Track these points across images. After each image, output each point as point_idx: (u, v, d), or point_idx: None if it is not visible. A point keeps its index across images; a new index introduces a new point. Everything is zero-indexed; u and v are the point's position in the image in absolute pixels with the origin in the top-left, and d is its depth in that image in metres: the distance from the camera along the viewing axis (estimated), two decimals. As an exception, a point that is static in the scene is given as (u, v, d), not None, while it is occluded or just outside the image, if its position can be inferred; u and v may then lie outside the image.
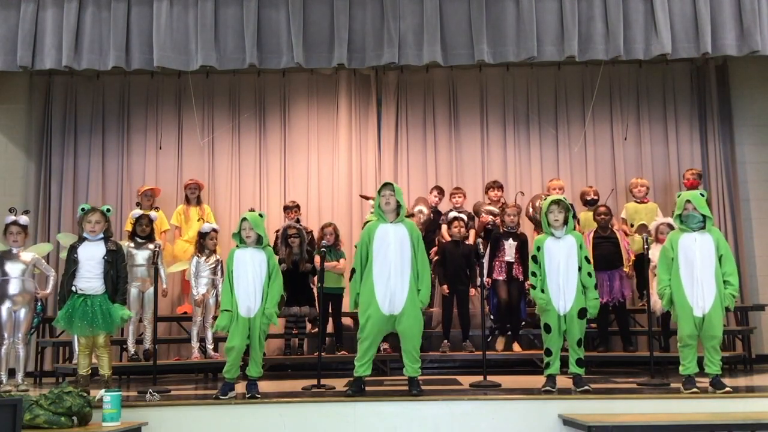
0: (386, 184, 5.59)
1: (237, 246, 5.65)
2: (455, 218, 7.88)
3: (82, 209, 6.08)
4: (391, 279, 5.40)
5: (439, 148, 9.37)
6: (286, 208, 8.47)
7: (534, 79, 9.41)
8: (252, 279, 5.49)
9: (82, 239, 6.04)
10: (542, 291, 5.59)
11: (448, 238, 8.07)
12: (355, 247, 5.95)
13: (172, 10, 7.41)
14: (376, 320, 5.42)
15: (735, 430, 4.78)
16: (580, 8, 7.32)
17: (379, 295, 5.40)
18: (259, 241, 5.62)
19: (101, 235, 6.02)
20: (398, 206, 5.53)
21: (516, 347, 7.71)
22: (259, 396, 5.42)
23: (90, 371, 6.06)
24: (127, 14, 7.42)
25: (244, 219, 5.62)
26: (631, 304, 8.06)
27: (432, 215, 8.37)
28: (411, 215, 8.01)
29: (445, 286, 7.73)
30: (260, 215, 5.74)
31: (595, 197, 8.35)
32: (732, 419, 4.83)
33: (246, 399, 5.38)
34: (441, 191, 8.74)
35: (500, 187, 8.54)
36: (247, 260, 5.53)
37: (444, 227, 8.36)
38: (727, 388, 5.35)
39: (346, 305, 7.59)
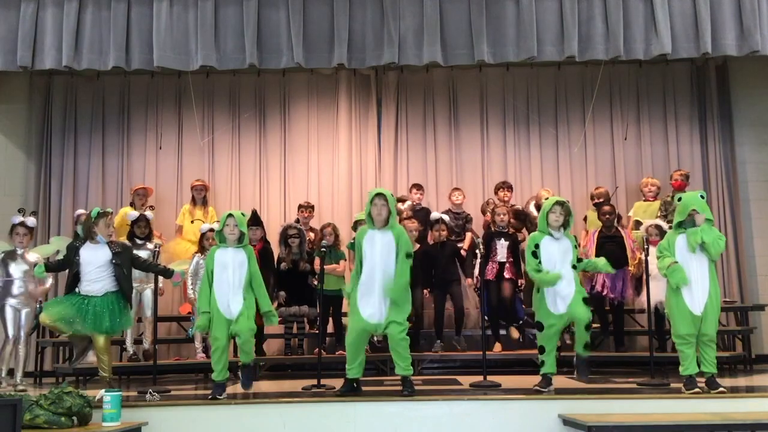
0: (379, 194, 5.54)
1: (217, 246, 5.66)
2: (437, 221, 7.86)
3: (98, 213, 6.10)
4: (375, 285, 5.41)
5: (439, 148, 9.37)
6: (300, 207, 8.52)
7: (534, 79, 9.40)
8: (232, 278, 5.50)
9: (83, 241, 6.07)
10: (537, 291, 5.61)
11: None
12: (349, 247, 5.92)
13: (172, 10, 7.42)
14: (360, 329, 5.43)
15: (735, 430, 4.78)
16: (580, 8, 7.33)
17: (363, 301, 5.41)
18: (240, 240, 5.62)
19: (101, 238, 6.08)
20: (389, 215, 5.52)
21: (514, 333, 7.63)
22: (253, 382, 5.51)
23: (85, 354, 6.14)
24: (127, 14, 7.43)
25: (230, 215, 5.62)
26: (630, 304, 8.04)
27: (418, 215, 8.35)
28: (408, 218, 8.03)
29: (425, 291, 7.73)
30: (242, 214, 5.76)
31: (601, 200, 8.30)
32: (732, 419, 4.83)
33: (242, 393, 5.41)
34: (420, 187, 8.75)
35: (509, 188, 8.53)
36: (227, 260, 5.55)
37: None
38: (722, 389, 5.35)
39: (347, 306, 7.58)
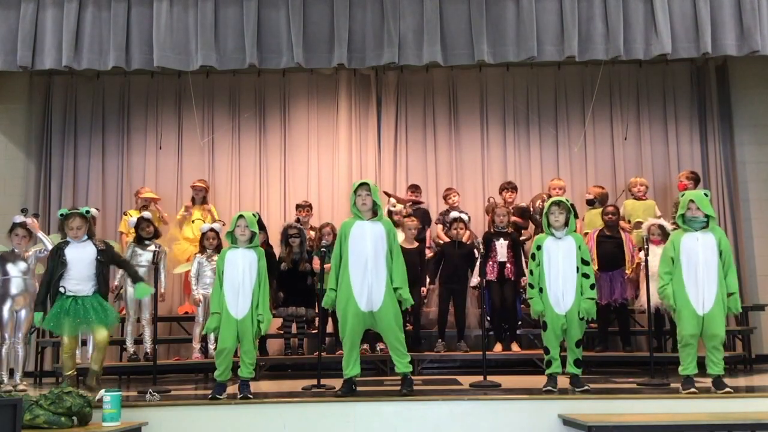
0: (362, 184, 5.59)
1: (229, 247, 5.67)
2: (456, 219, 7.87)
3: (61, 215, 6.10)
4: (368, 275, 5.39)
5: (439, 148, 9.38)
6: (298, 207, 8.53)
7: (534, 79, 9.41)
8: (242, 279, 5.49)
9: (66, 242, 6.05)
10: (540, 290, 5.61)
11: (444, 239, 8.07)
12: None
13: (172, 10, 7.42)
14: (354, 317, 5.41)
15: (735, 430, 4.78)
16: (580, 8, 7.33)
17: (356, 291, 5.39)
18: (251, 241, 5.64)
19: (86, 237, 6.06)
20: (375, 205, 5.54)
21: (515, 347, 7.70)
22: (251, 396, 5.41)
23: (75, 372, 6.08)
24: (127, 14, 7.44)
25: (241, 216, 5.64)
26: (630, 304, 8.04)
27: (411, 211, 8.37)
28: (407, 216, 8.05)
29: (423, 289, 7.74)
30: (253, 215, 5.78)
31: (590, 196, 8.34)
32: (732, 419, 4.83)
33: (239, 399, 5.37)
34: (416, 188, 8.74)
35: (514, 189, 8.56)
36: (238, 260, 5.55)
37: (438, 227, 8.37)
38: (728, 389, 5.35)
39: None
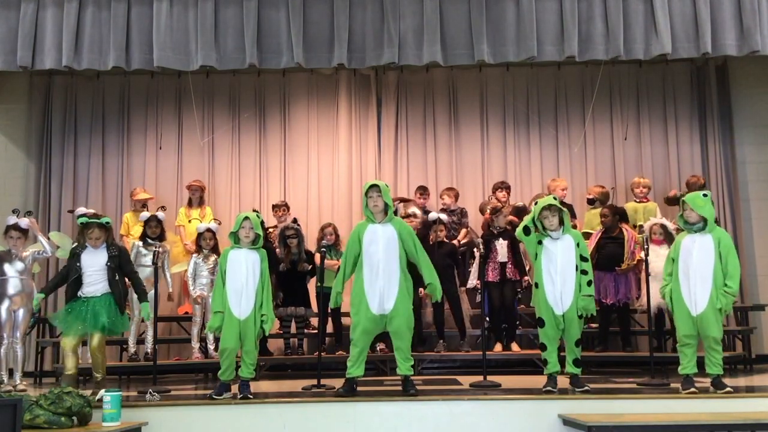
0: (373, 186, 5.58)
1: (231, 246, 5.67)
2: (435, 221, 7.85)
3: (82, 223, 6.18)
4: (380, 279, 5.41)
5: (439, 148, 9.38)
6: (274, 207, 8.50)
7: (534, 79, 9.40)
8: (245, 279, 5.51)
9: (84, 246, 6.14)
10: (536, 285, 5.63)
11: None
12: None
13: (172, 10, 7.42)
14: (367, 321, 5.44)
15: (735, 430, 4.78)
16: (580, 8, 7.33)
17: (369, 295, 5.42)
18: (254, 242, 5.64)
19: (104, 244, 6.15)
20: (386, 206, 5.55)
21: (515, 347, 7.70)
22: (251, 396, 5.41)
23: (77, 371, 6.09)
24: (127, 14, 7.44)
25: (246, 218, 5.64)
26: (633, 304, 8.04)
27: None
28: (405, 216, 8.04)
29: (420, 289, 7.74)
30: (257, 215, 5.79)
31: (590, 196, 8.34)
32: (732, 419, 4.83)
33: (239, 399, 5.38)
34: (425, 190, 8.72)
35: (507, 188, 8.56)
36: (240, 260, 5.56)
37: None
38: (728, 389, 5.35)
39: (346, 304, 7.58)
